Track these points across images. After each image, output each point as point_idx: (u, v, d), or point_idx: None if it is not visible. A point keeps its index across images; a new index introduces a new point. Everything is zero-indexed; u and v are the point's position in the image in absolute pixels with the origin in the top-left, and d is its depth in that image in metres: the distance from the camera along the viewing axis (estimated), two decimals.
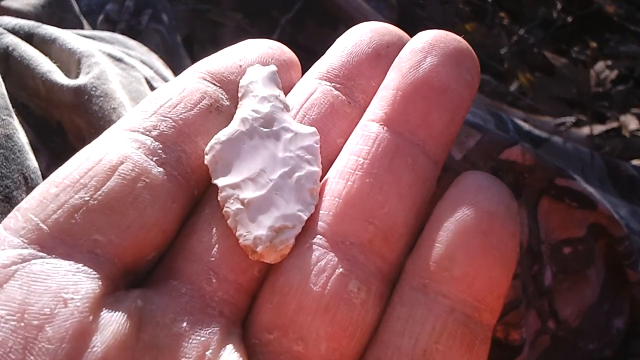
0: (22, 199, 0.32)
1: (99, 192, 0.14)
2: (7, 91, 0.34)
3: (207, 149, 0.16)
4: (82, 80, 0.34)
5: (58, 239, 0.14)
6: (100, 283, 0.14)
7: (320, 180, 0.16)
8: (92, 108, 0.33)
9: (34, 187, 0.33)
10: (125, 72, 0.37)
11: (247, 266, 0.15)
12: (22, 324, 0.12)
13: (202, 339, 0.13)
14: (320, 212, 0.15)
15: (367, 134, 0.15)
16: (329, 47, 0.18)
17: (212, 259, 0.14)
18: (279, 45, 0.18)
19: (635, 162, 0.75)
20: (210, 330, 0.14)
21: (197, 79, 0.16)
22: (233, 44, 0.18)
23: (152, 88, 0.39)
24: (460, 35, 0.17)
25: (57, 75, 0.34)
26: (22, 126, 0.34)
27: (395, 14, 0.92)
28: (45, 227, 0.14)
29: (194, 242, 0.15)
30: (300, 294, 0.14)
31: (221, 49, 0.18)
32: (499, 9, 1.06)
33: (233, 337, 0.14)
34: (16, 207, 0.15)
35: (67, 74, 0.35)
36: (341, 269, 0.14)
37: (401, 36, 0.17)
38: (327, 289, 0.14)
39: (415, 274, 0.14)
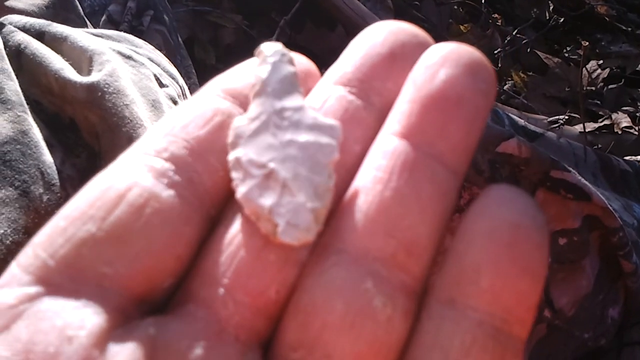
0: (39, 194, 0.33)
1: (106, 223, 0.14)
2: (20, 88, 0.35)
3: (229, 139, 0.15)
4: (94, 77, 0.34)
5: (65, 275, 0.14)
6: (107, 317, 0.13)
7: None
8: (106, 104, 0.33)
9: (50, 182, 0.34)
10: (135, 69, 0.38)
11: (264, 288, 0.14)
12: None
13: None
14: (342, 228, 0.15)
15: (385, 148, 0.15)
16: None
17: (227, 281, 0.14)
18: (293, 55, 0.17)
19: (627, 158, 0.76)
20: (225, 356, 0.13)
21: (210, 96, 0.16)
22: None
23: (160, 84, 0.40)
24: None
25: (69, 73, 0.35)
26: (36, 122, 0.34)
27: (392, 16, 0.93)
28: (52, 263, 0.14)
29: (209, 264, 0.14)
30: (325, 312, 0.14)
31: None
32: (492, 10, 1.08)
33: None
34: (29, 243, 0.15)
35: (79, 71, 0.36)
36: (365, 285, 0.14)
37: (416, 34, 0.17)
38: (351, 305, 0.14)
39: (443, 288, 0.14)
